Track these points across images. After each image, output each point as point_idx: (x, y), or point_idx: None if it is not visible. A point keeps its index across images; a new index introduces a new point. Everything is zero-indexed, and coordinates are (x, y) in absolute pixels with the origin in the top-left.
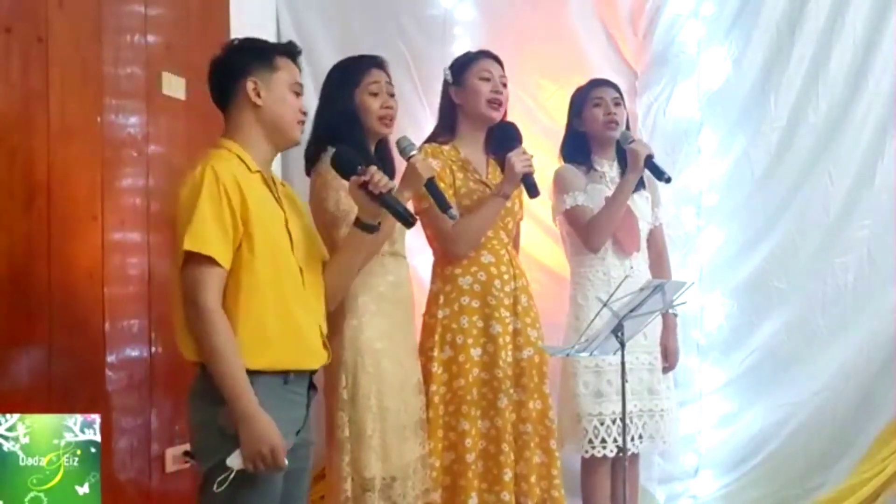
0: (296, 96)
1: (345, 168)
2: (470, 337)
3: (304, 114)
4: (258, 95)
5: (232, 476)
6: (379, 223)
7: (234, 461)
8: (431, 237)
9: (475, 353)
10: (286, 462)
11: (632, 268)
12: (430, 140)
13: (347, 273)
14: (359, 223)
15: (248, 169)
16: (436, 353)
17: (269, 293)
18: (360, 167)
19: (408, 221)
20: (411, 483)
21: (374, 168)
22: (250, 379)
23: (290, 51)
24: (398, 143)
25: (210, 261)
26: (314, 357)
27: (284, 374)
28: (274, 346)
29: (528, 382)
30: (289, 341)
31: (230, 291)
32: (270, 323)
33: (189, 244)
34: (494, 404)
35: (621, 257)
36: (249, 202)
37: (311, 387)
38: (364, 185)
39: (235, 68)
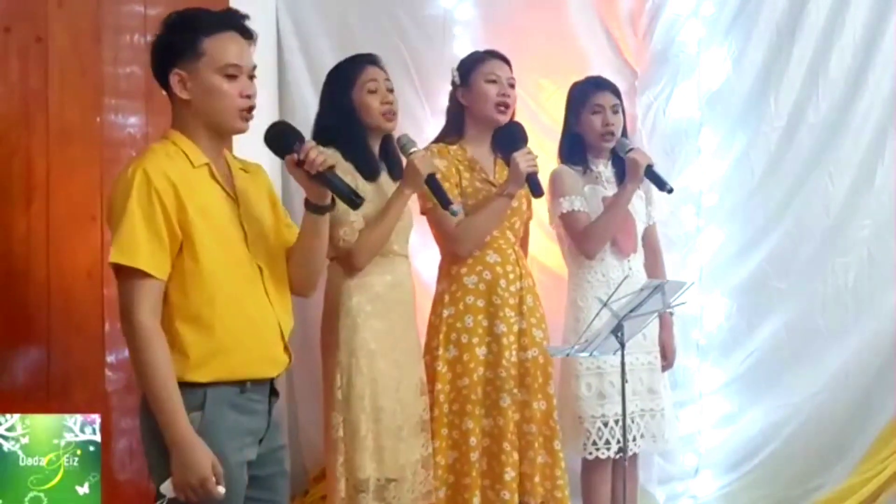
0: (230, 79)
1: (277, 146)
2: (475, 336)
3: (249, 97)
4: (185, 88)
5: (165, 502)
6: (333, 203)
7: (167, 488)
8: (437, 236)
9: (480, 352)
10: (221, 491)
11: (630, 269)
12: (437, 140)
13: (311, 259)
14: (308, 204)
15: (192, 164)
16: (441, 353)
17: (218, 299)
18: (295, 144)
19: (353, 202)
20: (409, 485)
21: (309, 145)
22: (201, 392)
23: (227, 23)
24: (398, 140)
25: (141, 273)
26: (272, 364)
27: (241, 384)
28: (226, 357)
29: (532, 383)
30: (243, 350)
31: (174, 301)
32: (222, 332)
33: (116, 256)
34: (497, 403)
35: (620, 258)
36: (188, 204)
37: (273, 392)
38: (301, 164)
39: (161, 59)
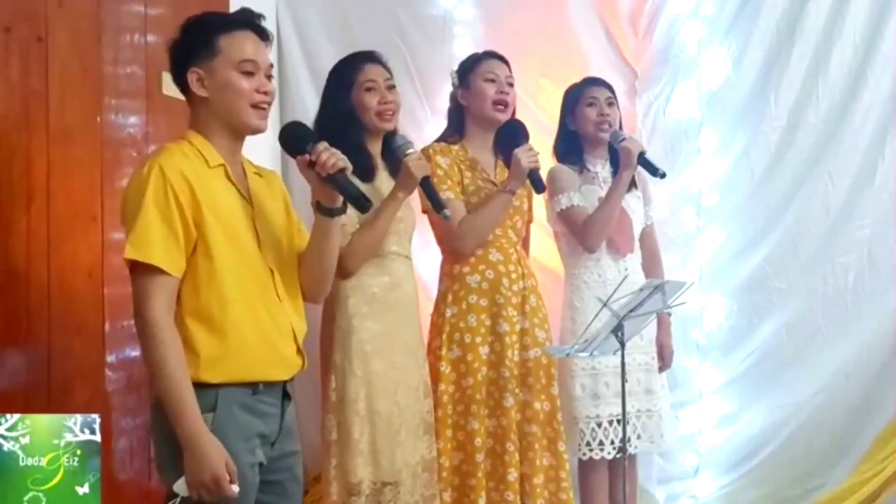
0: (247, 76)
1: (291, 146)
2: (478, 335)
3: (265, 94)
4: (202, 86)
5: (178, 502)
6: (344, 205)
7: (180, 487)
8: (439, 235)
9: (483, 351)
10: (234, 490)
11: (626, 269)
12: (439, 140)
13: (321, 263)
14: (319, 207)
15: (207, 164)
16: (444, 353)
17: (229, 300)
18: (309, 145)
19: (362, 206)
20: (408, 488)
21: (322, 146)
22: (213, 393)
23: (243, 21)
24: (394, 141)
25: (155, 269)
26: (285, 366)
27: (253, 385)
28: (238, 358)
29: (535, 383)
30: (256, 351)
31: (186, 300)
32: (233, 332)
33: (131, 252)
34: (501, 403)
35: (616, 258)
36: (203, 202)
37: (286, 395)
38: (313, 165)
39: (178, 59)
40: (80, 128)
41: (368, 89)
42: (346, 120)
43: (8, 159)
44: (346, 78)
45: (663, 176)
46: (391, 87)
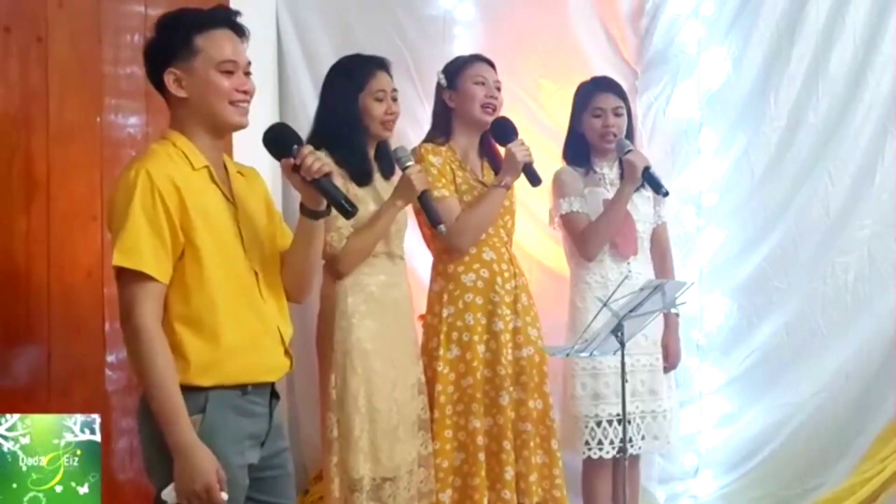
0: (227, 75)
1: (275, 149)
2: (475, 334)
3: (245, 92)
4: (181, 87)
5: None
6: (328, 207)
7: (169, 495)
8: (430, 236)
9: (481, 349)
10: (224, 498)
11: (630, 271)
12: (426, 141)
13: (304, 264)
14: (303, 209)
15: (192, 166)
16: (441, 353)
17: (220, 304)
18: (293, 148)
19: (346, 211)
20: (404, 484)
21: (306, 150)
22: (203, 395)
23: (220, 20)
24: (395, 152)
25: (144, 276)
26: (274, 369)
27: (242, 387)
28: (228, 362)
29: (528, 381)
30: (245, 354)
31: (174, 305)
32: (223, 337)
33: (120, 259)
34: (497, 402)
35: (618, 261)
36: (190, 207)
37: (273, 394)
38: (297, 169)
39: (155, 58)
40: (80, 128)
41: (377, 99)
42: (351, 123)
43: (8, 159)
44: (355, 80)
45: (666, 194)
46: (396, 99)
